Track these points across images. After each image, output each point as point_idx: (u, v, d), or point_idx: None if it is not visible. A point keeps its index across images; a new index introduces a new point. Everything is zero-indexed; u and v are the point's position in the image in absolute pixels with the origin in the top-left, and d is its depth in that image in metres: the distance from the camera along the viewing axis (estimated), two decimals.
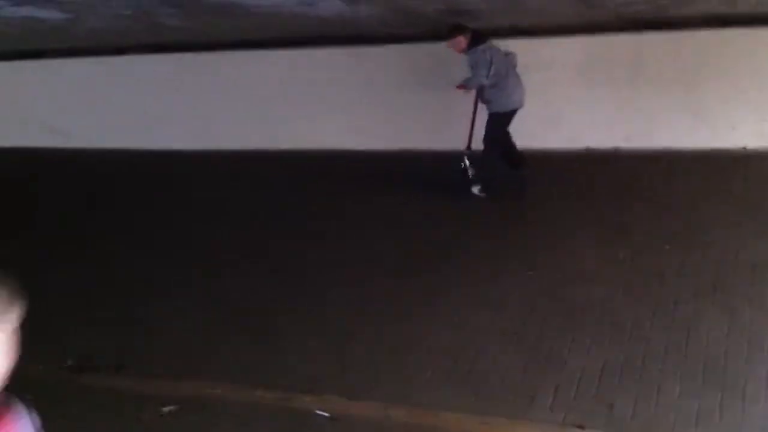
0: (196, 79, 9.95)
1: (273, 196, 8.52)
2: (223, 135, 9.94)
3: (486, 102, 7.49)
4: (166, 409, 4.88)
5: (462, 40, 7.34)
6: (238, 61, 9.70)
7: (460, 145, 7.74)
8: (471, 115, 7.69)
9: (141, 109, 10.31)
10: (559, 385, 4.76)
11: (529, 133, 7.72)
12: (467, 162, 7.75)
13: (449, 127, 8.12)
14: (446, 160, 7.95)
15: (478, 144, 7.66)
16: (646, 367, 4.82)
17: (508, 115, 7.49)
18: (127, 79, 10.34)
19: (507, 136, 7.63)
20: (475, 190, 7.73)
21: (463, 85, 7.49)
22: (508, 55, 7.53)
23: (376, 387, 5.00)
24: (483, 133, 7.57)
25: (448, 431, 4.39)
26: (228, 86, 9.83)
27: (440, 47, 8.03)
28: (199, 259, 7.24)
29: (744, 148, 7.59)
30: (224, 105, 9.90)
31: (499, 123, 7.50)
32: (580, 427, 4.30)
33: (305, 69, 9.34)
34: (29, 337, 2.01)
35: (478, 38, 7.35)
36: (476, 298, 5.91)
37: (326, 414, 4.70)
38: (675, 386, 4.59)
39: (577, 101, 8.14)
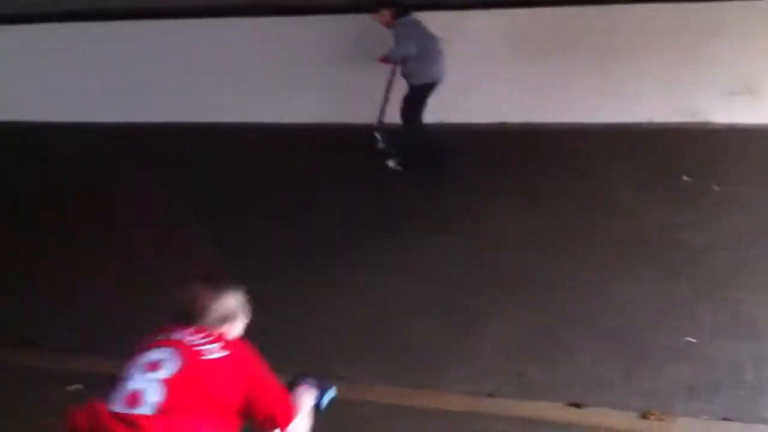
0: (108, 49, 9.66)
1: (187, 170, 8.36)
2: (139, 107, 9.67)
3: (407, 75, 7.50)
4: (72, 387, 4.77)
5: (387, 14, 7.37)
6: (157, 31, 9.44)
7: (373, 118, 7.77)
8: (384, 89, 7.72)
9: (56, 80, 9.97)
10: (473, 353, 4.85)
11: (447, 106, 7.75)
12: (379, 136, 7.78)
13: (370, 100, 8.10)
14: (366, 133, 7.95)
15: (391, 118, 7.68)
16: (556, 332, 4.95)
17: (428, 88, 7.52)
18: (42, 49, 9.97)
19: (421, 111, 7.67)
20: (392, 163, 7.74)
21: (386, 57, 7.49)
22: (434, 39, 7.54)
23: (292, 359, 4.98)
24: (402, 107, 7.59)
25: (361, 401, 4.40)
26: (144, 57, 9.57)
27: (362, 19, 8.03)
28: (108, 236, 7.07)
29: (651, 121, 7.80)
30: (140, 76, 9.64)
31: (420, 95, 7.53)
32: (490, 396, 4.39)
33: (226, 39, 9.18)
34: None
35: (402, 11, 7.39)
36: (394, 267, 5.97)
37: None
38: (583, 352, 4.72)
39: (494, 75, 8.21)
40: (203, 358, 2.57)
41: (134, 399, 2.46)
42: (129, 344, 2.79)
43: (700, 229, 5.95)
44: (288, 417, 2.79)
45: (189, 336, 2.66)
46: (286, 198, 7.45)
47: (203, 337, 2.65)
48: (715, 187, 6.49)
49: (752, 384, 4.27)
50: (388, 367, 4.82)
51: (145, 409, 2.43)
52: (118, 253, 6.69)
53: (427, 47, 7.40)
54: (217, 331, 2.73)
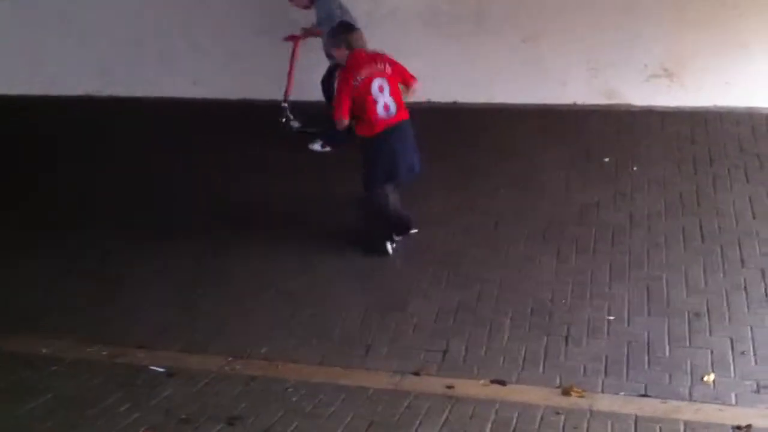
0: (27, 17, 9.32)
1: (109, 145, 8.18)
2: (55, 78, 9.38)
3: (329, 55, 7.42)
4: None
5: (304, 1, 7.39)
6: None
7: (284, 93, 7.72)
8: (290, 62, 7.70)
9: None
10: (396, 331, 4.90)
11: None
12: (289, 114, 7.71)
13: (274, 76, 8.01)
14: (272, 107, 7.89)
15: (312, 97, 7.67)
16: (480, 310, 5.04)
17: None
18: None
19: None
20: (317, 146, 7.68)
21: (310, 29, 7.44)
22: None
23: (218, 335, 5.00)
24: (323, 88, 7.55)
25: (286, 381, 4.41)
26: (61, 26, 9.27)
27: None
28: (40, 211, 6.89)
29: (574, 103, 7.93)
30: (57, 46, 9.34)
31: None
32: (415, 374, 4.43)
33: (146, 9, 8.95)
34: None
35: None
36: (321, 243, 5.98)
37: (161, 369, 4.62)
38: (505, 329, 4.82)
39: (417, 54, 8.17)
40: (389, 73, 5.56)
41: (387, 108, 5.48)
42: None
43: (618, 209, 6.09)
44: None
45: (376, 65, 5.54)
46: (210, 177, 7.37)
47: (379, 62, 5.56)
48: (634, 168, 6.64)
49: (668, 361, 4.40)
50: (312, 343, 4.85)
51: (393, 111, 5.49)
52: None
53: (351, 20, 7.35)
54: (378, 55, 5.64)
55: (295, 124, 7.76)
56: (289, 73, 7.70)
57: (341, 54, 5.65)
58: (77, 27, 9.25)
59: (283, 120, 7.70)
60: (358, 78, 5.42)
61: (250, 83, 8.74)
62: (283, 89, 7.73)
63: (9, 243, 6.41)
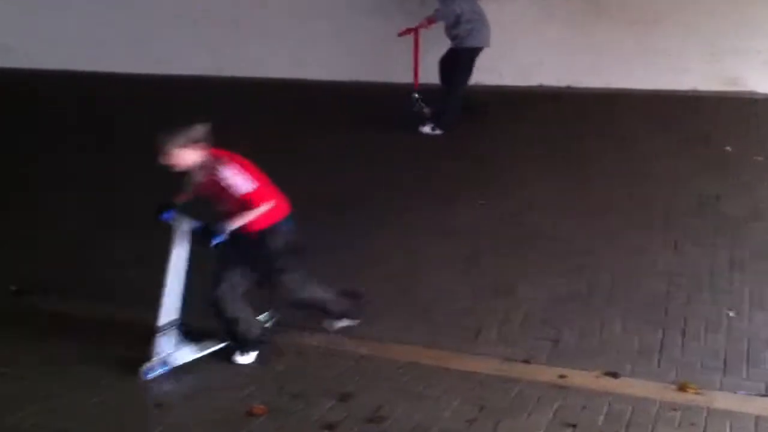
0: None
1: (215, 125, 8.32)
2: (164, 59, 9.65)
3: (457, 38, 7.41)
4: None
5: None
6: None
7: (411, 82, 7.71)
8: (414, 54, 7.68)
9: (76, 28, 9.95)
10: (505, 316, 4.84)
11: (482, 68, 7.66)
12: (420, 102, 7.73)
13: (402, 60, 8.01)
14: (398, 93, 7.89)
15: (428, 79, 7.61)
16: (592, 299, 4.94)
17: (475, 52, 7.45)
18: None
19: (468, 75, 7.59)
20: (427, 128, 7.68)
21: (433, 18, 7.41)
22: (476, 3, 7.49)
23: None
24: (449, 73, 7.53)
25: (396, 362, 4.42)
26: (168, 8, 9.52)
27: None
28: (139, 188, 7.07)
29: (694, 89, 7.68)
30: (165, 28, 9.61)
31: (467, 59, 7.47)
32: (525, 361, 4.38)
33: None
34: None
35: None
36: (427, 227, 5.98)
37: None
38: (618, 320, 4.70)
39: (531, 38, 8.09)
40: None
41: None
42: None
43: (740, 199, 5.88)
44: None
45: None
46: (317, 159, 7.41)
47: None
48: (757, 158, 6.38)
49: None
50: (420, 327, 4.83)
51: None
52: None
53: (476, 11, 7.33)
54: None
55: (428, 110, 7.77)
56: (415, 63, 7.66)
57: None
58: (187, 8, 9.45)
59: (415, 110, 7.74)
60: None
61: (359, 64, 8.80)
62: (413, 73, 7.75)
63: (109, 219, 6.59)
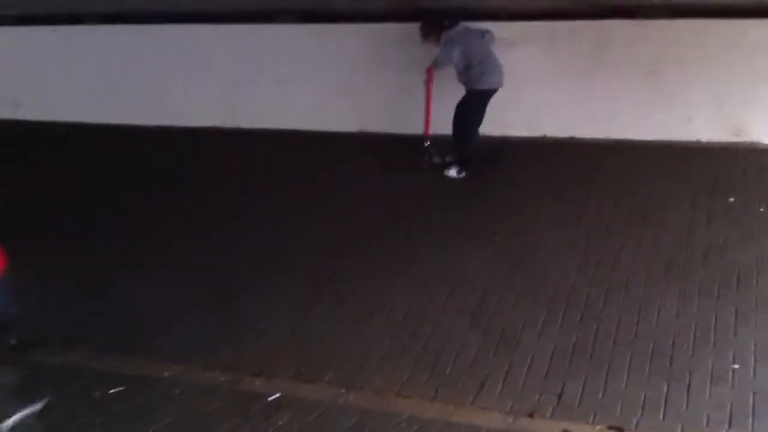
0: (154, 52, 9.77)
1: (229, 175, 8.43)
2: (180, 111, 9.77)
3: (467, 81, 7.52)
4: (112, 391, 4.84)
5: (434, 36, 7.53)
6: (198, 35, 9.53)
7: (421, 132, 7.78)
8: (425, 101, 7.74)
9: (96, 81, 10.11)
10: (510, 368, 4.82)
11: (489, 118, 7.72)
12: (431, 150, 7.80)
13: (410, 110, 8.08)
14: (407, 142, 7.96)
15: (438, 129, 7.70)
16: (596, 351, 4.92)
17: (487, 94, 7.55)
18: (83, 50, 10.13)
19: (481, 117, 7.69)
20: (453, 172, 7.72)
21: (432, 67, 7.57)
22: (486, 34, 7.63)
23: (331, 362, 5.05)
24: (456, 113, 7.62)
25: (400, 416, 4.40)
26: (187, 61, 9.67)
27: (404, 28, 8.05)
28: (156, 237, 7.15)
29: (698, 140, 7.70)
30: (182, 80, 9.74)
31: (479, 101, 7.58)
32: (530, 415, 4.35)
33: (266, 45, 9.23)
34: None
35: (450, 23, 7.50)
36: (435, 274, 6.00)
37: (277, 395, 4.69)
38: (623, 373, 4.68)
39: (536, 88, 8.15)
40: None
41: None
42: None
43: (745, 250, 5.86)
44: None
45: None
46: (327, 206, 7.47)
47: None
48: (761, 209, 6.38)
49: None
50: (424, 377, 4.83)
51: None
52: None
53: (484, 54, 7.45)
54: None
55: (437, 160, 7.83)
56: (427, 112, 7.77)
57: None
58: (201, 61, 9.61)
59: (426, 158, 7.81)
60: None
61: (368, 115, 8.89)
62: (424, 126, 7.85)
63: (127, 266, 6.65)
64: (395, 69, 8.45)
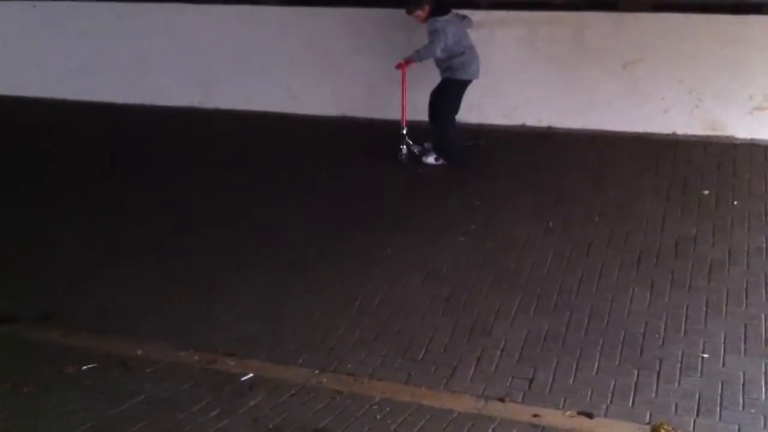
0: (133, 30, 9.68)
1: (207, 157, 8.40)
2: (158, 90, 9.70)
3: (446, 69, 7.48)
4: (85, 368, 4.82)
5: (421, 13, 7.40)
6: (178, 14, 9.46)
7: (400, 121, 7.77)
8: (401, 92, 7.68)
9: (74, 58, 10.01)
10: (482, 354, 4.86)
11: (467, 106, 7.74)
12: (408, 139, 7.78)
13: (391, 96, 8.07)
14: (387, 128, 7.96)
15: (414, 115, 7.71)
16: (568, 339, 4.97)
17: (466, 84, 7.54)
18: (61, 26, 10.02)
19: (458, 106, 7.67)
20: (431, 159, 7.72)
21: (411, 59, 7.47)
22: (465, 20, 7.59)
23: (304, 345, 5.06)
24: (435, 104, 7.60)
25: (372, 398, 4.43)
26: (165, 40, 9.60)
27: (384, 13, 8.04)
28: (134, 217, 7.14)
29: (674, 133, 7.77)
30: (160, 59, 9.67)
31: (458, 91, 7.56)
32: (501, 400, 4.39)
33: (246, 26, 9.19)
34: None
35: (441, 7, 7.39)
36: (409, 262, 6.01)
37: (250, 375, 4.70)
38: (594, 360, 4.73)
39: (516, 76, 8.18)
40: None
41: None
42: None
43: (717, 243, 5.94)
44: None
45: None
46: (304, 190, 7.46)
47: None
48: (734, 203, 6.47)
49: (763, 403, 4.25)
50: (397, 362, 4.86)
51: None
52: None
53: (467, 44, 7.44)
54: None
55: (415, 149, 7.82)
56: (402, 100, 7.73)
57: None
58: (180, 40, 9.54)
59: (403, 147, 7.78)
60: None
61: (347, 100, 8.87)
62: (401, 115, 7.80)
63: (111, 247, 6.63)
64: (376, 54, 8.43)
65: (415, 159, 7.77)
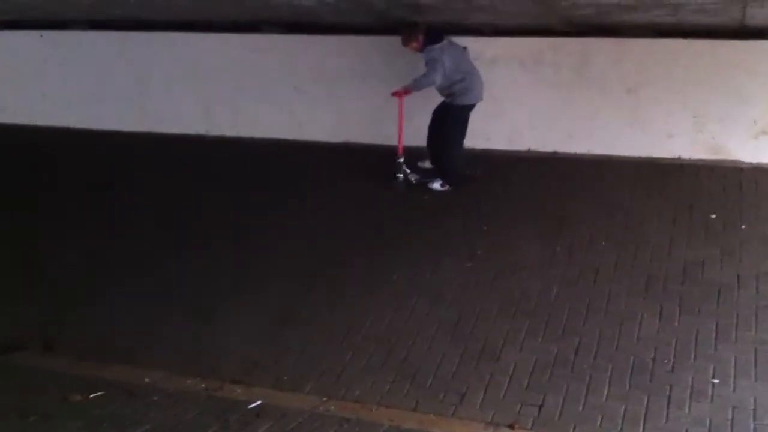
0: (138, 59, 9.73)
1: (211, 184, 8.40)
2: (163, 118, 9.73)
3: (449, 96, 7.50)
4: (92, 396, 4.79)
5: (416, 45, 7.42)
6: (182, 43, 9.50)
7: (397, 149, 7.76)
8: (398, 119, 7.69)
9: (80, 86, 10.06)
10: (490, 380, 4.83)
11: (472, 132, 7.76)
12: (405, 168, 7.79)
13: (394, 123, 8.08)
14: (390, 154, 7.96)
15: (413, 141, 7.74)
16: (577, 365, 4.94)
17: (470, 108, 7.56)
18: (68, 55, 10.08)
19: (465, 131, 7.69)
20: (437, 185, 7.71)
21: (409, 89, 7.49)
22: (465, 50, 7.63)
23: (311, 371, 5.04)
24: (440, 129, 7.60)
25: (380, 425, 4.39)
26: (170, 68, 9.64)
27: (386, 40, 8.07)
28: (138, 243, 7.12)
29: (678, 157, 7.76)
30: (166, 87, 9.71)
31: (462, 116, 7.58)
32: (510, 426, 4.35)
33: (250, 54, 9.22)
34: None
35: (434, 36, 7.40)
36: (415, 287, 6.01)
37: (258, 402, 4.67)
38: (603, 386, 4.70)
39: (519, 103, 8.20)
40: None
41: None
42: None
43: (725, 267, 5.91)
44: None
45: None
46: (308, 217, 7.45)
47: None
48: (742, 226, 6.45)
49: None
50: (405, 388, 4.83)
51: None
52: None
53: (468, 69, 7.46)
54: None
55: (413, 177, 7.82)
56: (399, 129, 7.74)
57: None
58: (186, 68, 9.59)
59: (400, 175, 7.78)
60: None
61: (350, 127, 8.89)
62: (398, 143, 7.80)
63: (112, 272, 6.61)
64: (380, 81, 8.45)
65: (413, 186, 7.75)
